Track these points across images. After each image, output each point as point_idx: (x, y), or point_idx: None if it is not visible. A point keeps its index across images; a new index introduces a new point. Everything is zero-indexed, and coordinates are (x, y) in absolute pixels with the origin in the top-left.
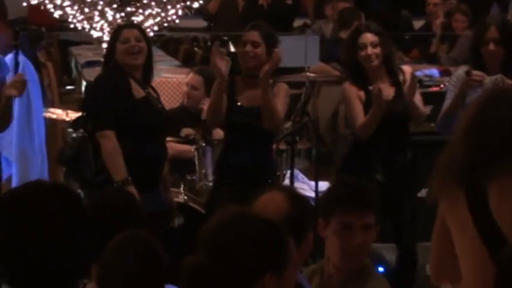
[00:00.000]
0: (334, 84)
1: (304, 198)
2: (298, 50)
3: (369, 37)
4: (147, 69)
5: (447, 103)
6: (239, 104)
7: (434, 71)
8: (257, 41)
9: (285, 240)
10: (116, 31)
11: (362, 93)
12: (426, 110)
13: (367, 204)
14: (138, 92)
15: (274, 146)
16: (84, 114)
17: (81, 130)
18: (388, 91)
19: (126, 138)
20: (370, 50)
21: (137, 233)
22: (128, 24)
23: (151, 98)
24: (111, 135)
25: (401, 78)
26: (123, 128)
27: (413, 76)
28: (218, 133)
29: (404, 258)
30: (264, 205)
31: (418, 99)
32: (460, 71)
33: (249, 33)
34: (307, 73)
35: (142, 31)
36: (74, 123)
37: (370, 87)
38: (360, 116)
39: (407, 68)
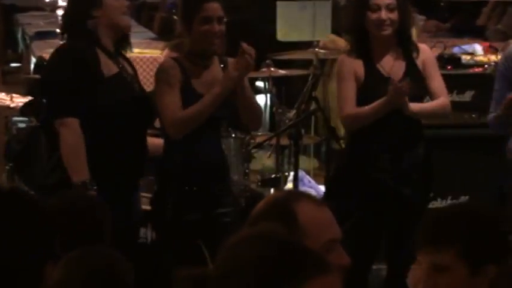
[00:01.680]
0: None
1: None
2: (304, 20)
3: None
4: (122, 37)
5: (496, 96)
6: (196, 90)
7: (476, 47)
8: (222, 15)
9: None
10: None
11: (361, 69)
12: (447, 100)
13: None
14: (109, 67)
15: (273, 141)
16: (34, 99)
17: (31, 119)
18: (397, 69)
19: (92, 130)
20: (384, 14)
21: (95, 250)
22: None
23: (125, 75)
24: (73, 124)
25: (415, 54)
26: (88, 117)
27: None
28: None
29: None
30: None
31: (438, 85)
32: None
33: (211, 7)
34: (316, 49)
35: None
36: (22, 110)
37: (392, 79)
38: (349, 101)
39: (424, 47)
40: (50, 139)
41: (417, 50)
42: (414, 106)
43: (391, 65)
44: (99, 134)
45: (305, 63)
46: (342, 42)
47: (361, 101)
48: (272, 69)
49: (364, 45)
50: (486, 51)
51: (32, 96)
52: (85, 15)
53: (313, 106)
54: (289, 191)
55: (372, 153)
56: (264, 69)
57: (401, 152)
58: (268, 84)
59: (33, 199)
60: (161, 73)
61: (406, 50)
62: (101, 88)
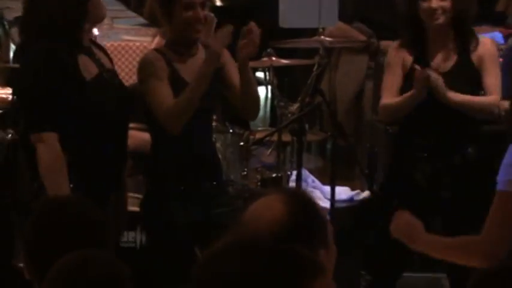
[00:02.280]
0: (359, 53)
1: (312, 206)
2: (309, 5)
3: None
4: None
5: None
6: (185, 79)
7: (496, 35)
8: (205, 0)
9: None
10: None
11: (410, 59)
12: (497, 98)
13: None
14: (89, 69)
15: (275, 137)
16: (11, 109)
17: (9, 131)
18: (446, 61)
19: (75, 137)
20: (434, 3)
21: (92, 253)
22: None
23: (105, 74)
24: (50, 140)
25: (473, 47)
26: (70, 124)
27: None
28: None
29: None
30: (258, 214)
31: (491, 82)
32: None
33: None
34: (322, 37)
35: None
36: (1, 120)
37: (416, 67)
38: (387, 91)
39: (486, 40)
40: (30, 155)
41: (476, 42)
42: (455, 96)
43: (442, 57)
44: (78, 135)
45: (310, 52)
46: (350, 31)
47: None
48: (273, 58)
49: (418, 35)
50: (508, 39)
51: (10, 87)
52: (74, 25)
53: (318, 100)
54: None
55: (411, 152)
56: (264, 59)
57: (443, 151)
58: (269, 74)
59: None
60: (146, 67)
61: (463, 42)
62: (83, 93)
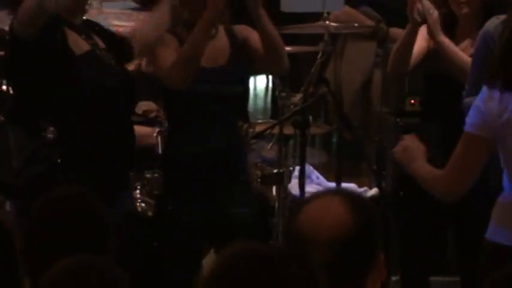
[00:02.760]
0: (366, 40)
1: (370, 206)
2: None
3: None
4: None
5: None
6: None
7: None
8: None
9: None
10: None
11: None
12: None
13: None
14: (78, 44)
15: (276, 130)
16: None
17: None
18: (467, 51)
19: (68, 116)
20: None
21: (89, 260)
22: None
23: (98, 51)
24: None
25: None
26: (63, 103)
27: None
28: None
29: None
30: (317, 218)
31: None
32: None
33: None
34: (327, 22)
35: None
36: None
37: None
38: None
39: None
40: (19, 135)
41: None
42: (446, 41)
43: (468, 44)
44: (76, 120)
45: (314, 39)
46: (356, 15)
47: (425, 71)
48: None
49: (448, 21)
50: None
51: None
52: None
53: (323, 90)
54: None
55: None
56: None
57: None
58: None
59: None
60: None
61: None
62: (74, 68)
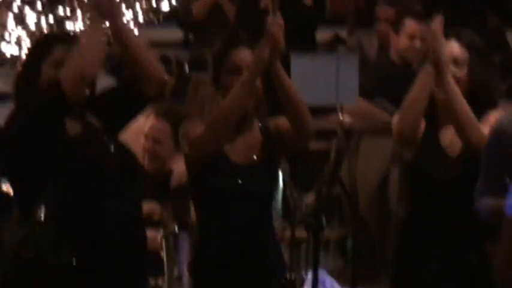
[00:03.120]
0: (382, 135)
1: None
2: (325, 79)
3: (453, 49)
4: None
5: (489, 177)
6: (230, 159)
7: None
8: None
9: None
10: (41, 44)
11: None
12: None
13: None
14: (71, 125)
15: (288, 233)
16: None
17: None
18: (456, 142)
19: (61, 199)
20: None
21: None
22: (61, 35)
23: (92, 132)
24: None
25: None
26: (53, 184)
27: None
28: None
29: None
30: None
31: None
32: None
33: (240, 54)
34: (340, 116)
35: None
36: None
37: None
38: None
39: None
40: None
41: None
42: (453, 88)
43: (452, 135)
44: (68, 202)
45: (326, 135)
46: (372, 109)
47: (413, 167)
48: None
49: (430, 107)
50: None
51: None
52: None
53: (337, 190)
54: None
55: (422, 247)
56: None
57: (458, 247)
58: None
59: None
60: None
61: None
62: (65, 150)
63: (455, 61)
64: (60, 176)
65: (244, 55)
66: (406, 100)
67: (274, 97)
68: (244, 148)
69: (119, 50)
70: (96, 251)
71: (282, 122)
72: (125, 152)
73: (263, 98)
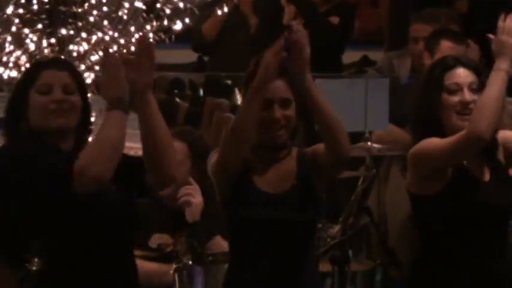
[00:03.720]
0: None
1: None
2: (352, 102)
3: (462, 75)
4: (83, 134)
5: None
6: (260, 188)
7: None
8: (287, 97)
9: None
10: (30, 72)
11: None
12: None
13: None
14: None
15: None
16: None
17: None
18: (483, 170)
19: (56, 248)
20: (468, 95)
21: None
22: (52, 60)
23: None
24: None
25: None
26: (48, 232)
27: None
28: (216, 244)
29: None
30: None
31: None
32: None
33: (270, 85)
34: (369, 143)
35: (75, 74)
36: None
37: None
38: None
39: (502, 133)
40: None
41: (496, 143)
42: None
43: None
44: (64, 252)
45: (355, 162)
46: (402, 135)
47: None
48: None
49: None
50: None
51: None
52: (23, 108)
53: (365, 220)
54: None
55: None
56: None
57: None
58: None
59: None
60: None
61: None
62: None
63: (471, 86)
64: (55, 224)
65: (276, 86)
66: (481, 98)
67: (311, 126)
68: (277, 178)
69: (142, 138)
70: None
71: (319, 147)
72: (125, 196)
73: (299, 126)
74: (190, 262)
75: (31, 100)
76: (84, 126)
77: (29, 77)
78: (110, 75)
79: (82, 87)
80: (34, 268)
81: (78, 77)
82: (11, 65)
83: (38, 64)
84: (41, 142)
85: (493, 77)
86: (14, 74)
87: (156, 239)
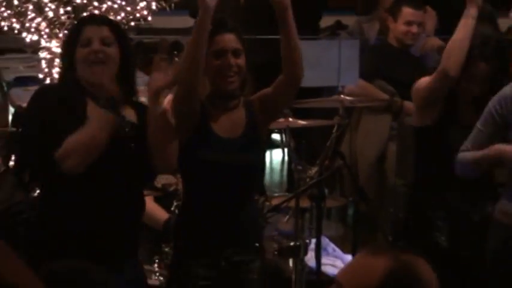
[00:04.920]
0: (381, 113)
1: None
2: (327, 61)
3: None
4: (125, 83)
5: (479, 136)
6: (216, 133)
7: None
8: (238, 47)
9: None
10: (75, 29)
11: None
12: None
13: None
14: (95, 112)
15: (292, 203)
16: None
17: None
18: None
19: (76, 187)
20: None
21: None
22: (92, 16)
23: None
24: None
25: None
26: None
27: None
28: None
29: None
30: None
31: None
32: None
33: (224, 38)
34: (341, 96)
35: (114, 28)
36: None
37: None
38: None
39: None
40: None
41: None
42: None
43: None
44: (86, 192)
45: (328, 113)
46: (371, 89)
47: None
48: (290, 119)
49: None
50: None
51: (10, 152)
52: (71, 61)
53: (338, 163)
54: None
55: (429, 211)
56: (280, 120)
57: (462, 210)
58: (286, 136)
59: None
60: None
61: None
62: None
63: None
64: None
65: (228, 38)
66: (450, 42)
67: (259, 79)
68: (230, 124)
69: (149, 129)
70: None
71: (265, 91)
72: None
73: (248, 79)
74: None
75: (77, 53)
76: (125, 75)
77: (73, 33)
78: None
79: (122, 40)
80: (32, 196)
81: (118, 31)
82: (32, 30)
83: (81, 21)
84: (72, 96)
85: (462, 22)
86: (35, 37)
87: (161, 180)
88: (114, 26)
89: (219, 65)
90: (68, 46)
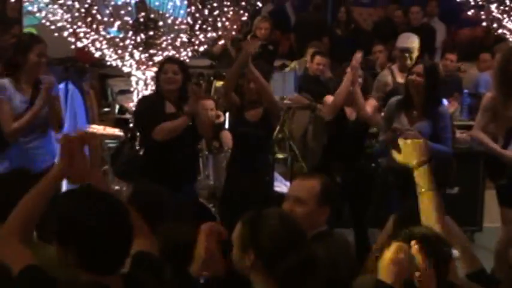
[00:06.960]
0: (305, 109)
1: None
2: (280, 83)
3: None
4: (182, 94)
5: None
6: (245, 117)
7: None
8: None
9: None
10: (162, 64)
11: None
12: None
13: None
14: (170, 109)
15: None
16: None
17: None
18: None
19: (157, 145)
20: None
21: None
22: (170, 59)
23: (180, 113)
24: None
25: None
26: (150, 139)
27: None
28: (224, 137)
29: (359, 241)
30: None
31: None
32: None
33: (167, 68)
34: (285, 101)
35: (181, 65)
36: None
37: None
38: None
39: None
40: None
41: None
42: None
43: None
44: (163, 148)
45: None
46: (300, 97)
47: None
48: None
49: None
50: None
51: (117, 128)
52: (158, 80)
53: (283, 135)
54: None
55: (332, 164)
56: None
57: (349, 162)
58: None
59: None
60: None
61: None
62: (163, 119)
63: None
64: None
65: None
66: (336, 94)
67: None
68: (253, 113)
69: (197, 121)
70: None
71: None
72: (193, 125)
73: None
74: (206, 153)
75: (160, 78)
76: (182, 92)
77: (161, 67)
78: None
79: (184, 71)
80: (136, 144)
81: (182, 66)
82: (128, 65)
83: (165, 60)
84: (159, 100)
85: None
86: (129, 69)
87: (207, 103)
88: (180, 63)
89: (242, 83)
90: (157, 73)
